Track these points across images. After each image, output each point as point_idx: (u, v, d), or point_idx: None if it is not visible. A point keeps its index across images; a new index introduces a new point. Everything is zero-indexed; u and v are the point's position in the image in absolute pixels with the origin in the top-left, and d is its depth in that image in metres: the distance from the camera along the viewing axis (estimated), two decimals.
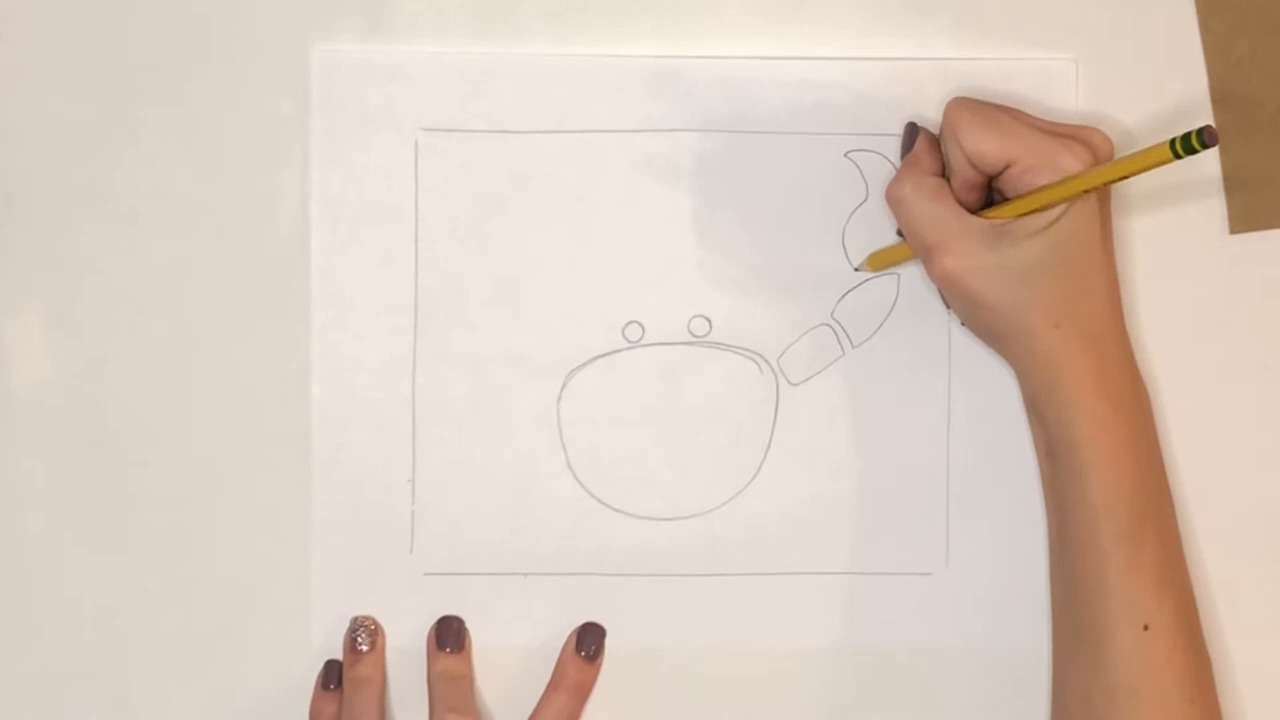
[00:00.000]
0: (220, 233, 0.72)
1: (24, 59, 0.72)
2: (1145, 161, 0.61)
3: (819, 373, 0.73)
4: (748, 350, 0.73)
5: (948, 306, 0.72)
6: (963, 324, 0.70)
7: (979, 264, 0.66)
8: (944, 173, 0.69)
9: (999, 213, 0.66)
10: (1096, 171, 0.64)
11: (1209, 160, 0.73)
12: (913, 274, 0.73)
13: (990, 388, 0.73)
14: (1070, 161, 0.65)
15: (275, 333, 0.72)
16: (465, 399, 0.73)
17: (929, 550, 0.74)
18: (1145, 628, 0.66)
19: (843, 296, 0.73)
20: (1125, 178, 0.63)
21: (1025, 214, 0.65)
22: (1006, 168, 0.66)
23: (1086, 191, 0.65)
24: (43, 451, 0.72)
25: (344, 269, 0.72)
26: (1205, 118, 0.73)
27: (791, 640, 0.74)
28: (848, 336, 0.73)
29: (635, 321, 0.73)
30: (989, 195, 0.69)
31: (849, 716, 0.74)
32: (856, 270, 0.73)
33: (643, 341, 0.73)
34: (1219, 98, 0.73)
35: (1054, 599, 0.70)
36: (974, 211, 0.67)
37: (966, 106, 0.68)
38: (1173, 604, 0.66)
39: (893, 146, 0.72)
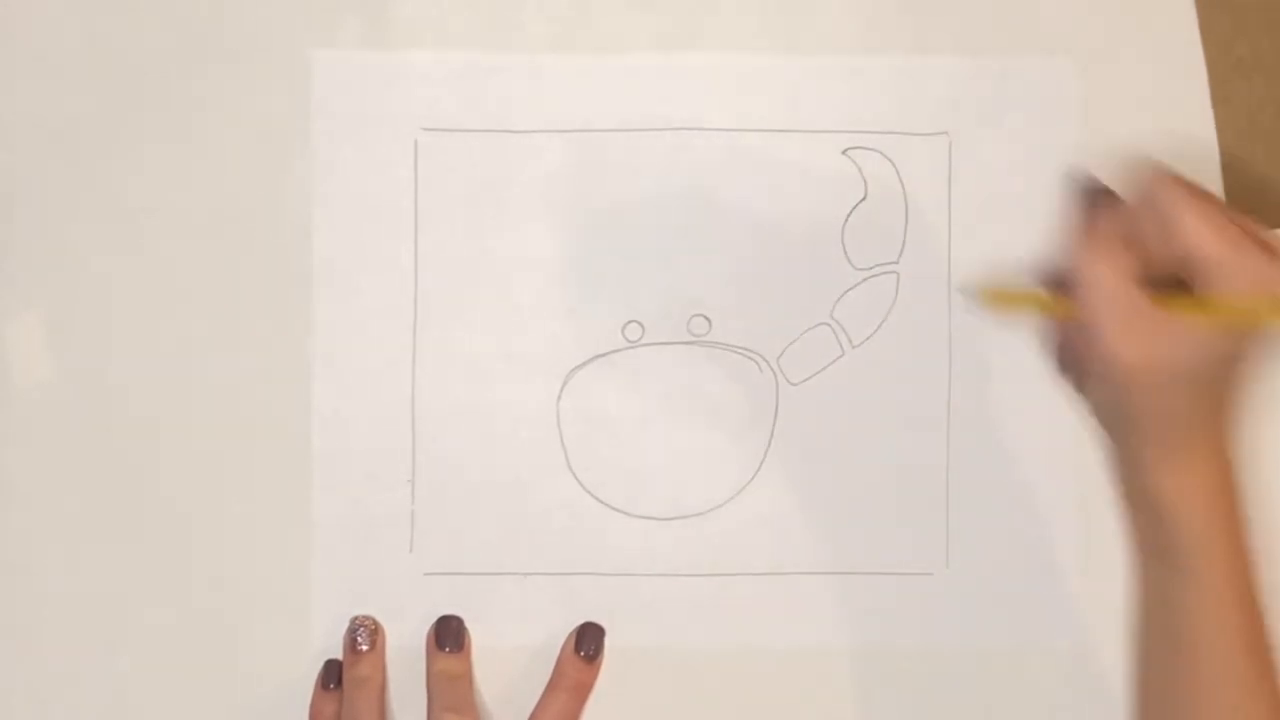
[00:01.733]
0: (221, 233, 0.72)
1: (24, 59, 0.72)
2: None
3: (819, 372, 0.73)
4: (748, 350, 0.73)
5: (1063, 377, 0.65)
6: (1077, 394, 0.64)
7: (1159, 365, 0.58)
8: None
9: (1191, 310, 0.58)
10: None
11: (1209, 160, 0.73)
12: (912, 273, 0.73)
13: (990, 388, 0.73)
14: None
15: (276, 333, 0.72)
16: (465, 399, 0.73)
17: (929, 550, 0.74)
18: None
19: (842, 296, 0.73)
20: None
21: (1225, 324, 0.58)
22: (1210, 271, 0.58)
23: None
24: (43, 452, 0.72)
25: (344, 269, 0.72)
26: (1205, 118, 0.73)
27: (791, 640, 0.74)
28: (847, 336, 0.73)
29: (635, 321, 0.73)
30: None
31: (849, 716, 0.74)
32: (963, 298, 0.71)
33: (642, 341, 0.73)
34: (1219, 98, 0.73)
35: (1146, 693, 0.63)
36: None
37: (1192, 200, 0.58)
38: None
39: (892, 144, 0.72)
